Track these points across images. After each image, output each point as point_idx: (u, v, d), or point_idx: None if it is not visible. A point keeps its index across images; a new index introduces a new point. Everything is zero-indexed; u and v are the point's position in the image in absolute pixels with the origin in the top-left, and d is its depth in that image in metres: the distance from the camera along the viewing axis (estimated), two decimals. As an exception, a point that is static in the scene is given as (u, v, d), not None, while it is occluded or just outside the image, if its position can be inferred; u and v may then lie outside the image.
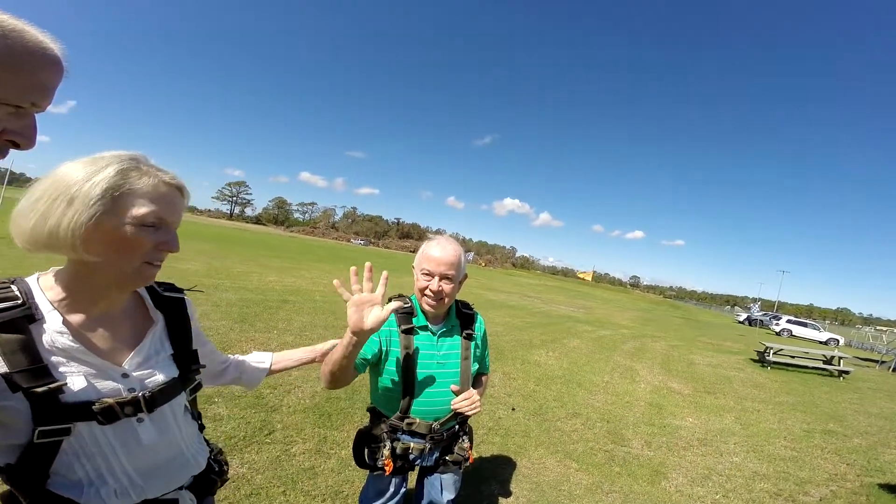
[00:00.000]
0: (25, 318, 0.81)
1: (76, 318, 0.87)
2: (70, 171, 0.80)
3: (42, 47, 0.60)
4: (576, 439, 4.18)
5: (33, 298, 0.84)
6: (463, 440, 1.73)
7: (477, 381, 1.80)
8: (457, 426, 1.70)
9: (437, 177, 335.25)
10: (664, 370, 8.43)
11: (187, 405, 1.06)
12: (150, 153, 0.90)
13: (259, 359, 1.37)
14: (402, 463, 1.63)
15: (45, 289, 0.87)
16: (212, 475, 1.10)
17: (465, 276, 1.69)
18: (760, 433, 5.30)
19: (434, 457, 1.68)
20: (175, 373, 0.98)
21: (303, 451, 3.02)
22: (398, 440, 1.61)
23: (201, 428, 1.14)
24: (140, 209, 0.82)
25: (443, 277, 1.57)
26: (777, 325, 31.19)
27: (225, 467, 1.18)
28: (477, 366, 1.74)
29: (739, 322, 38.26)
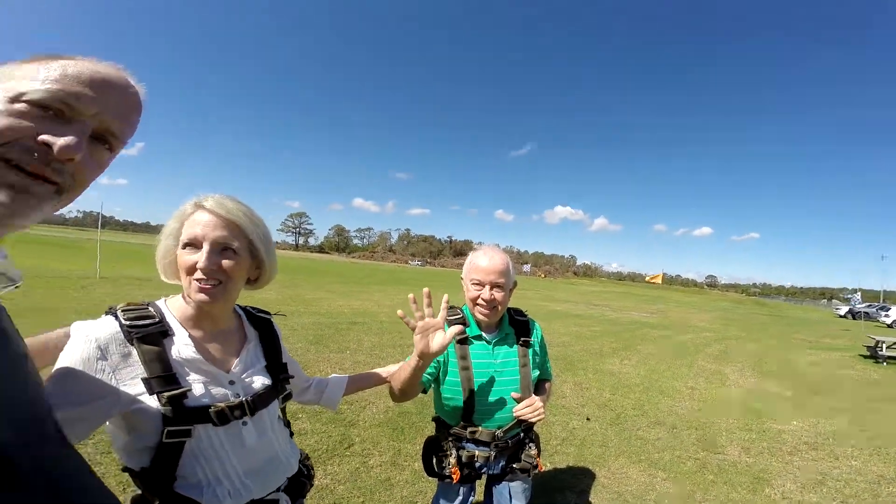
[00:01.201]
0: (160, 333, 0.94)
1: (196, 333, 1.01)
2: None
3: (82, 61, 0.60)
4: (661, 448, 3.93)
5: (165, 317, 0.98)
6: (530, 447, 1.70)
7: (540, 387, 1.78)
8: (521, 433, 1.68)
9: (480, 192, 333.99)
10: (758, 372, 7.73)
11: (279, 413, 1.15)
12: (212, 190, 1.04)
13: (337, 381, 1.45)
14: (469, 471, 1.63)
15: (172, 309, 1.01)
16: (302, 478, 1.18)
17: (515, 284, 1.68)
18: (883, 434, 4.68)
19: (500, 465, 1.67)
20: (269, 381, 1.08)
21: (379, 463, 3.12)
22: (463, 448, 1.62)
23: (291, 434, 1.22)
24: (184, 234, 0.97)
25: (493, 286, 1.57)
26: (887, 316, 27.63)
27: (312, 471, 1.25)
28: (538, 372, 1.72)
29: (840, 316, 34.06)
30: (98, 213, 16.12)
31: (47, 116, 0.56)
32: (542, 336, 1.79)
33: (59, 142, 0.55)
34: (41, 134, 0.55)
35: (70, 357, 0.88)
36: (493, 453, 1.62)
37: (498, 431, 1.59)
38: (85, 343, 0.89)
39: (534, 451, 1.70)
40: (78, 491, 0.60)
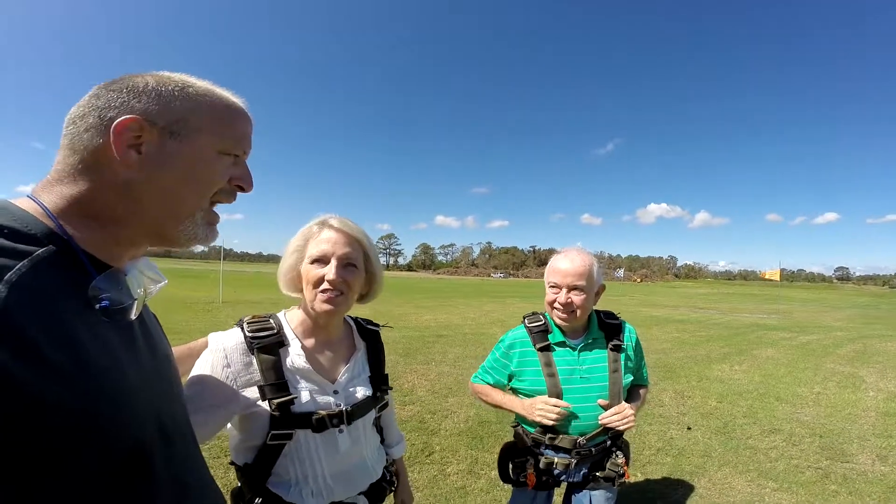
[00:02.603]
0: (278, 343, 1.03)
1: (309, 343, 1.08)
2: None
3: (235, 102, 0.69)
4: (774, 457, 3.52)
5: (283, 329, 1.07)
6: (617, 455, 1.62)
7: (634, 394, 1.70)
8: (608, 441, 1.61)
9: (564, 196, 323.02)
10: (906, 374, 6.49)
11: (374, 420, 1.19)
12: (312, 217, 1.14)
13: (399, 450, 1.37)
14: (547, 478, 1.59)
15: (290, 321, 1.10)
16: (383, 483, 1.21)
17: (603, 288, 1.64)
18: None
19: (582, 472, 1.61)
20: (370, 392, 1.13)
21: (456, 471, 3.17)
22: (541, 455, 1.59)
23: (381, 441, 1.26)
24: (313, 250, 1.05)
25: (572, 289, 1.53)
26: None
27: (394, 477, 1.28)
28: (631, 377, 1.65)
29: None
30: (220, 247, 18.66)
31: (231, 160, 0.68)
32: (636, 339, 1.72)
33: (248, 184, 0.70)
34: (233, 179, 0.68)
35: (203, 364, 1.00)
36: (573, 461, 1.56)
37: (581, 439, 1.54)
38: (215, 352, 1.01)
39: (621, 460, 1.61)
40: (197, 487, 0.68)
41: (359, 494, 1.12)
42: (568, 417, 1.54)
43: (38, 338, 0.47)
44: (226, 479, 2.73)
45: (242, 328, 1.04)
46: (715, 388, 5.63)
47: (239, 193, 0.72)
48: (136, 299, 0.61)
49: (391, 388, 1.23)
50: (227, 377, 0.98)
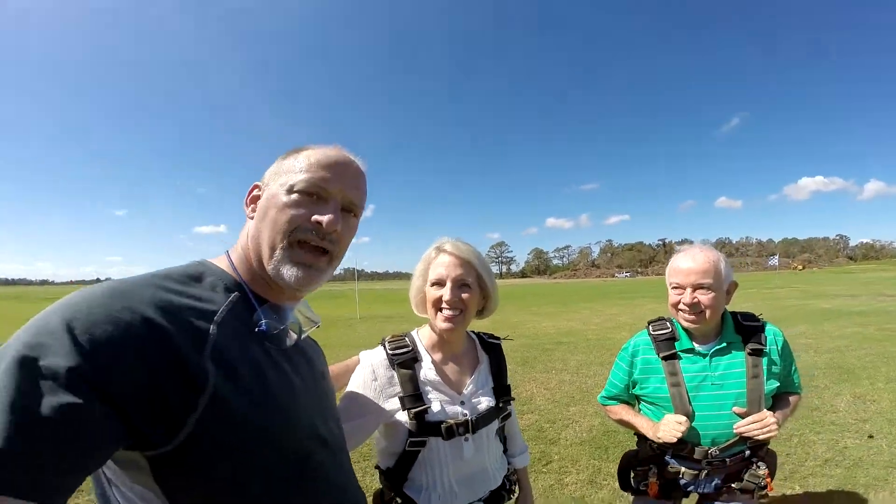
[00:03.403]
0: (412, 359, 1.16)
1: (438, 357, 1.19)
2: None
3: (321, 151, 0.75)
4: None
5: (416, 345, 1.19)
6: (757, 467, 1.48)
7: (783, 401, 1.55)
8: (747, 451, 1.49)
9: (691, 181, 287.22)
10: None
11: (497, 429, 1.26)
12: (431, 235, 1.29)
13: (521, 460, 1.42)
14: (672, 488, 1.54)
15: (421, 338, 1.23)
16: (503, 491, 1.26)
17: (735, 285, 1.52)
18: None
19: (714, 483, 1.52)
20: (493, 402, 1.20)
21: (575, 481, 3.10)
22: (667, 464, 1.54)
23: (504, 451, 1.32)
24: (432, 274, 1.18)
25: (696, 288, 1.44)
26: None
27: (513, 486, 1.33)
28: (777, 384, 1.51)
29: None
30: (354, 269, 20.88)
31: (311, 200, 0.72)
32: (783, 342, 1.55)
33: (325, 219, 0.71)
34: (313, 216, 0.71)
35: (356, 378, 1.15)
36: (703, 471, 1.48)
37: (712, 449, 1.46)
38: (364, 367, 1.15)
39: (763, 471, 1.47)
40: (347, 487, 0.78)
41: (479, 501, 1.19)
42: (696, 427, 1.46)
43: (237, 364, 0.61)
44: (363, 482, 2.97)
45: (385, 346, 1.19)
46: (909, 391, 4.64)
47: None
48: (286, 325, 0.73)
49: (513, 399, 1.29)
50: (375, 389, 1.12)
